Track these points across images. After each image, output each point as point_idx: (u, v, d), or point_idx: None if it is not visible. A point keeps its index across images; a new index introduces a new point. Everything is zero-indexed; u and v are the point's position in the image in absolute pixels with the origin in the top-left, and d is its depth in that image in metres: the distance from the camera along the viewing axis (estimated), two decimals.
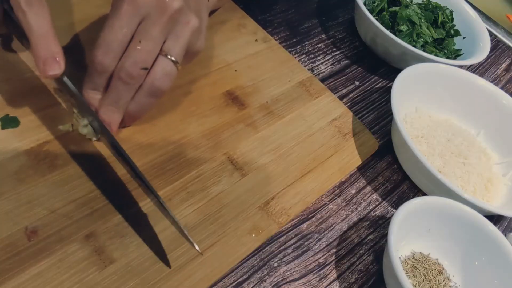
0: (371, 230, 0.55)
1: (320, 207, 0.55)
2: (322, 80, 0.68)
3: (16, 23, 0.43)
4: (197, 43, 0.48)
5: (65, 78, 0.44)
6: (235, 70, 0.61)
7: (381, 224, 0.56)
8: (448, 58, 0.75)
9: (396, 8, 0.76)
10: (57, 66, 0.41)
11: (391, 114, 0.59)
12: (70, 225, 0.42)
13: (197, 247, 0.41)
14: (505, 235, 0.57)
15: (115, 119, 0.47)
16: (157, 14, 0.43)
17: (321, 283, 0.49)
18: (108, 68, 0.44)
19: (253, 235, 0.47)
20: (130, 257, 0.42)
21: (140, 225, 0.44)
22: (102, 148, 0.48)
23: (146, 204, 0.46)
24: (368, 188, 0.59)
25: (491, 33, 0.95)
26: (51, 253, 0.40)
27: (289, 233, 0.51)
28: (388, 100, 0.71)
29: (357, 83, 0.72)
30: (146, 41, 0.43)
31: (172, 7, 0.43)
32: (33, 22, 0.41)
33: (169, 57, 0.45)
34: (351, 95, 0.70)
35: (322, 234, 0.53)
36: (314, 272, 0.49)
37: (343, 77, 0.72)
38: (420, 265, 0.52)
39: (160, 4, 0.43)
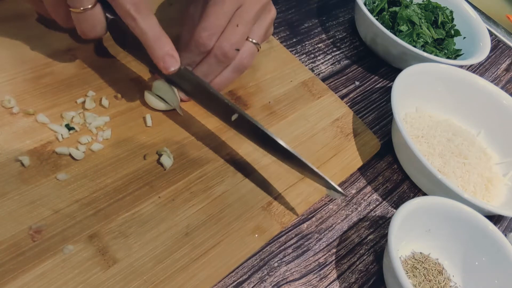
0: (371, 230, 0.56)
1: (320, 207, 0.55)
2: (323, 80, 0.68)
3: (121, 30, 0.47)
4: (271, 29, 0.56)
5: (183, 68, 0.48)
6: None
7: (381, 224, 0.57)
8: (448, 58, 0.75)
9: (396, 8, 0.77)
10: (174, 61, 0.46)
11: (391, 114, 0.59)
12: (73, 225, 0.42)
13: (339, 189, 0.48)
14: (505, 235, 0.57)
15: None
16: (253, 4, 0.50)
17: (321, 283, 0.49)
18: (209, 49, 0.50)
19: (256, 235, 0.47)
20: (134, 257, 0.42)
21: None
22: (105, 148, 0.48)
23: (149, 205, 0.46)
24: (368, 188, 0.59)
25: (491, 33, 0.95)
26: (55, 253, 0.40)
27: (289, 233, 0.51)
28: (388, 100, 0.72)
29: (357, 83, 0.72)
30: (242, 26, 0.50)
31: None
32: (145, 26, 0.45)
33: (254, 41, 0.52)
34: (351, 95, 0.70)
35: (322, 234, 0.53)
36: (314, 272, 0.50)
37: (343, 77, 0.72)
38: (420, 265, 0.52)
39: None
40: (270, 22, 0.54)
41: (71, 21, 0.45)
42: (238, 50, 0.51)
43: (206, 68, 0.51)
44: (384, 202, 0.59)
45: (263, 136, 0.48)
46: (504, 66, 0.91)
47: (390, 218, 0.56)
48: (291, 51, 0.70)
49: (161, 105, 0.52)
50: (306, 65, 0.70)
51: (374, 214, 0.57)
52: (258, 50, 0.53)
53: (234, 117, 0.49)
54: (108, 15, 0.46)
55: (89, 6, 0.44)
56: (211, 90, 0.49)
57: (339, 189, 0.48)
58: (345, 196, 0.52)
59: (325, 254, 0.52)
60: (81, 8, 0.44)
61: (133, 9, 0.44)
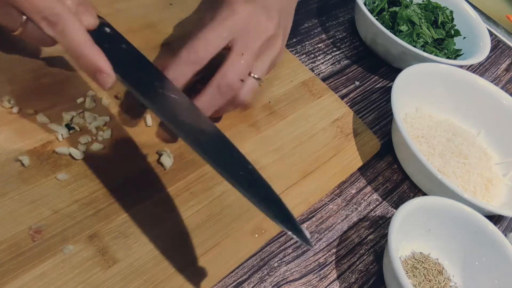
0: (371, 230, 0.56)
1: (320, 207, 0.55)
2: (323, 80, 0.68)
3: None
4: (277, 59, 0.52)
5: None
6: None
7: (381, 224, 0.57)
8: (448, 58, 0.75)
9: (396, 8, 0.77)
10: (109, 79, 0.41)
11: (391, 114, 0.59)
12: (73, 225, 0.42)
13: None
14: (505, 235, 0.57)
15: None
16: (258, 34, 0.47)
17: (321, 283, 0.49)
18: (200, 61, 0.45)
19: (256, 235, 0.47)
20: (134, 257, 0.42)
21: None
22: (105, 148, 0.48)
23: (149, 205, 0.46)
24: (368, 188, 0.59)
25: (491, 33, 0.95)
26: (55, 253, 0.40)
27: (290, 232, 0.51)
28: (388, 100, 0.72)
29: (357, 83, 0.72)
30: (247, 55, 0.46)
31: (272, 30, 0.48)
32: (64, 39, 0.40)
33: (256, 76, 0.48)
34: (351, 95, 0.70)
35: (322, 234, 0.53)
36: (314, 272, 0.50)
37: (343, 77, 0.72)
38: (420, 265, 0.52)
39: (262, 24, 0.47)
40: (275, 57, 0.50)
41: (48, 41, 0.42)
42: (242, 81, 0.47)
43: (207, 100, 0.46)
44: (384, 202, 0.59)
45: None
46: (504, 66, 0.91)
47: (390, 218, 0.56)
48: (291, 51, 0.70)
49: None
50: (306, 65, 0.70)
51: (374, 214, 0.57)
52: (260, 86, 0.50)
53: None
54: None
55: (18, 29, 0.41)
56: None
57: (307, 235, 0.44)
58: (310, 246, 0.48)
59: (325, 254, 0.52)
60: (14, 32, 0.42)
61: (45, 22, 0.39)
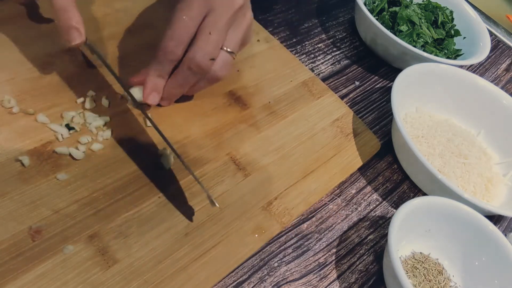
0: (371, 230, 0.56)
1: (320, 207, 0.55)
2: (323, 80, 0.68)
3: None
4: (249, 35, 0.51)
5: (88, 43, 0.47)
6: (238, 70, 0.61)
7: (381, 224, 0.57)
8: (448, 58, 0.75)
9: (396, 8, 0.77)
10: (78, 34, 0.45)
11: (391, 114, 0.59)
12: (73, 225, 0.42)
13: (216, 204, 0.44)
14: (505, 235, 0.57)
15: (173, 98, 0.52)
16: (225, 8, 0.46)
17: (321, 283, 0.49)
18: (179, 57, 0.47)
19: (256, 235, 0.47)
20: (134, 257, 0.42)
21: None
22: (105, 148, 0.48)
23: (149, 205, 0.46)
24: (368, 188, 0.59)
25: (491, 33, 0.95)
26: (55, 253, 0.40)
27: (289, 233, 0.51)
28: (388, 100, 0.72)
29: (357, 83, 0.72)
30: (215, 34, 0.46)
31: (238, 2, 0.47)
32: None
33: (229, 49, 0.48)
34: (351, 95, 0.70)
35: (322, 234, 0.53)
36: (314, 272, 0.50)
37: (343, 77, 0.72)
38: (420, 265, 0.52)
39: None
40: (246, 28, 0.50)
41: None
42: (213, 59, 0.48)
43: (181, 79, 0.49)
44: (384, 202, 0.59)
45: None
46: (504, 66, 0.91)
47: (390, 218, 0.56)
48: (291, 51, 0.70)
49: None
50: (306, 65, 0.70)
51: (374, 214, 0.57)
52: (234, 59, 0.50)
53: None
54: None
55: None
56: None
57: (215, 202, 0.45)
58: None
59: (325, 254, 0.51)
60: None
61: None
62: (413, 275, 0.51)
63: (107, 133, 0.49)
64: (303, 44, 0.74)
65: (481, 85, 0.69)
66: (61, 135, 0.47)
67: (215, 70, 0.49)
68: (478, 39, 0.78)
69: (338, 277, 0.50)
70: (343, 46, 0.77)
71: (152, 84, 0.49)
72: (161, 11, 0.63)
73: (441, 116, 0.69)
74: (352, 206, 0.57)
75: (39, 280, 0.39)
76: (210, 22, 0.46)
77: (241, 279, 0.46)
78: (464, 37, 0.79)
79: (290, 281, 0.48)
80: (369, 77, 0.74)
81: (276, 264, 0.49)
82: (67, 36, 0.45)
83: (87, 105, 0.50)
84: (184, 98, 0.55)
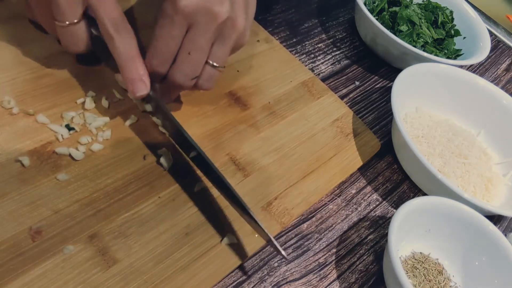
0: (371, 230, 0.56)
1: (320, 207, 0.55)
2: (323, 80, 0.68)
3: (104, 45, 0.45)
4: (242, 39, 0.48)
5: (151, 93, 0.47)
6: (238, 71, 0.61)
7: (381, 224, 0.57)
8: (448, 58, 0.75)
9: (396, 8, 0.77)
10: (144, 87, 0.45)
11: (391, 114, 0.59)
12: (73, 225, 0.42)
13: (283, 253, 0.43)
14: (505, 235, 0.57)
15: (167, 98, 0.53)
16: (205, 23, 0.43)
17: (321, 283, 0.49)
18: (163, 74, 0.47)
19: (256, 235, 0.47)
20: (134, 257, 0.42)
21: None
22: (105, 148, 0.48)
23: (149, 205, 0.46)
24: (368, 188, 0.59)
25: (491, 33, 0.95)
26: (55, 254, 0.40)
27: (289, 233, 0.51)
28: (388, 100, 0.72)
29: (357, 83, 0.72)
30: (195, 53, 0.45)
31: (220, 16, 0.43)
32: (120, 46, 0.43)
33: (214, 64, 0.47)
34: (351, 95, 0.70)
35: (322, 234, 0.53)
36: (314, 272, 0.50)
37: (343, 77, 0.72)
38: (420, 265, 0.52)
39: (208, 13, 0.43)
40: (236, 38, 0.47)
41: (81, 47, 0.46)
42: (196, 77, 0.47)
43: (165, 91, 0.51)
44: (384, 202, 0.59)
45: (216, 178, 0.46)
46: (504, 66, 0.91)
47: (390, 218, 0.56)
48: (291, 51, 0.70)
49: None
50: (306, 65, 0.70)
51: (374, 214, 0.57)
52: (221, 71, 0.49)
53: (192, 154, 0.48)
54: (94, 31, 0.45)
55: (75, 21, 0.43)
56: (177, 124, 0.47)
57: (282, 251, 0.43)
58: (285, 259, 0.48)
59: (325, 254, 0.52)
60: (66, 23, 0.43)
61: (113, 28, 0.42)
62: (413, 275, 0.51)
63: (107, 134, 0.49)
64: (303, 44, 0.74)
65: (481, 85, 0.69)
66: (61, 135, 0.47)
67: (200, 84, 0.48)
68: (478, 39, 0.78)
69: (338, 277, 0.50)
70: (343, 46, 0.77)
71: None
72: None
73: (441, 116, 0.69)
74: (352, 206, 0.57)
75: (39, 280, 0.39)
76: (190, 41, 0.44)
77: (241, 279, 0.46)
78: (464, 37, 0.79)
79: (290, 281, 0.48)
80: (369, 77, 0.74)
81: (276, 264, 0.49)
82: (133, 87, 0.44)
83: (87, 105, 0.50)
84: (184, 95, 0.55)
